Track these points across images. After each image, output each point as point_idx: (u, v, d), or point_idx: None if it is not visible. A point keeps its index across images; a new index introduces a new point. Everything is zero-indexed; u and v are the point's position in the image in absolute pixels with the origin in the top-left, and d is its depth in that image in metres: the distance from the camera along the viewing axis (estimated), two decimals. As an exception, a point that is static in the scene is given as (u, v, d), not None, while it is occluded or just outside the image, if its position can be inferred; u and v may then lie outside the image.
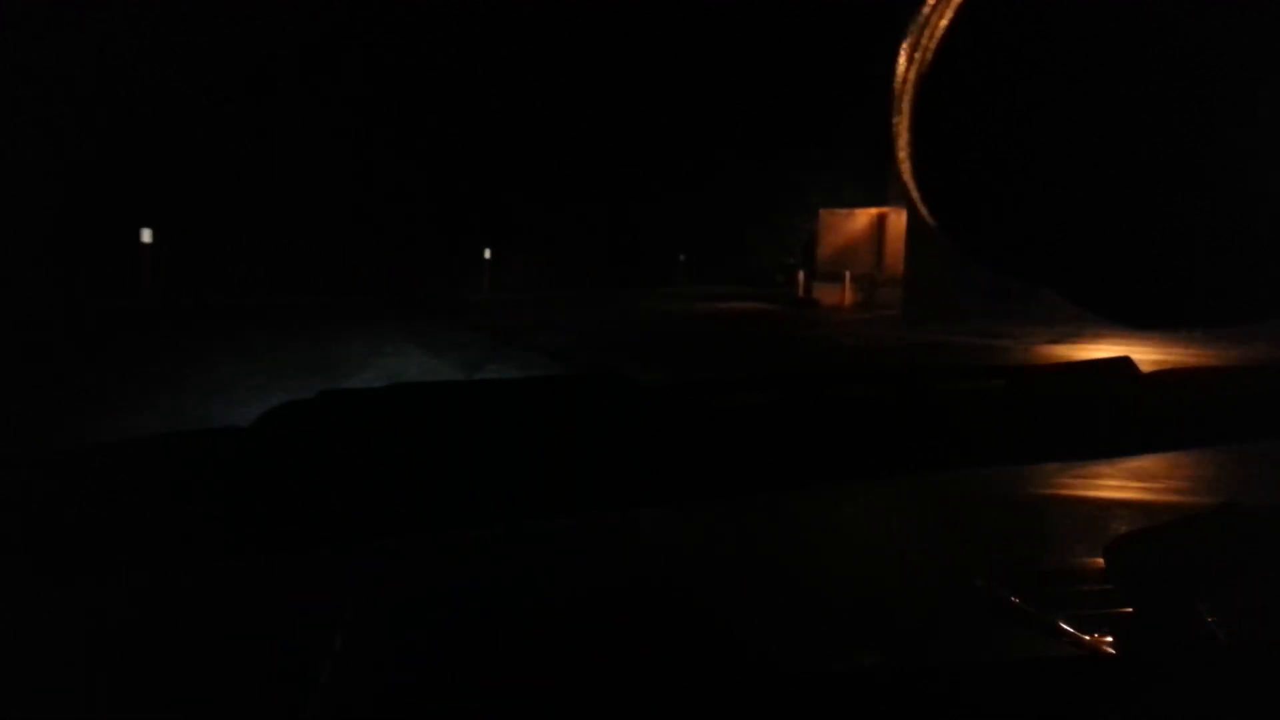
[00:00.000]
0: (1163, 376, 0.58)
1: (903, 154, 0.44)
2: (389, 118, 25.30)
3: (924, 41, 0.40)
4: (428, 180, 26.65)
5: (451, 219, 29.58)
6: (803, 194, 52.91)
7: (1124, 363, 0.59)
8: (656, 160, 41.05)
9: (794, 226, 56.65)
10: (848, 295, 26.18)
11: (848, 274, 26.07)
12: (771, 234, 53.49)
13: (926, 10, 0.40)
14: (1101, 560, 0.54)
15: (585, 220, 36.97)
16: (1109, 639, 0.58)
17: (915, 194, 0.44)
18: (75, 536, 0.48)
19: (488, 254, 30.99)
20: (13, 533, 0.47)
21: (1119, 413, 0.57)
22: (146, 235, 15.39)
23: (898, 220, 20.93)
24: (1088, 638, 0.60)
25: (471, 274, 27.95)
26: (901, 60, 0.42)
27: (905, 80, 0.41)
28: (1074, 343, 10.51)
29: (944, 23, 0.39)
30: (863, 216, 26.13)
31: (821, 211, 28.41)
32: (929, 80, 0.40)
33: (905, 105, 0.42)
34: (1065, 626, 0.61)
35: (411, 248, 26.46)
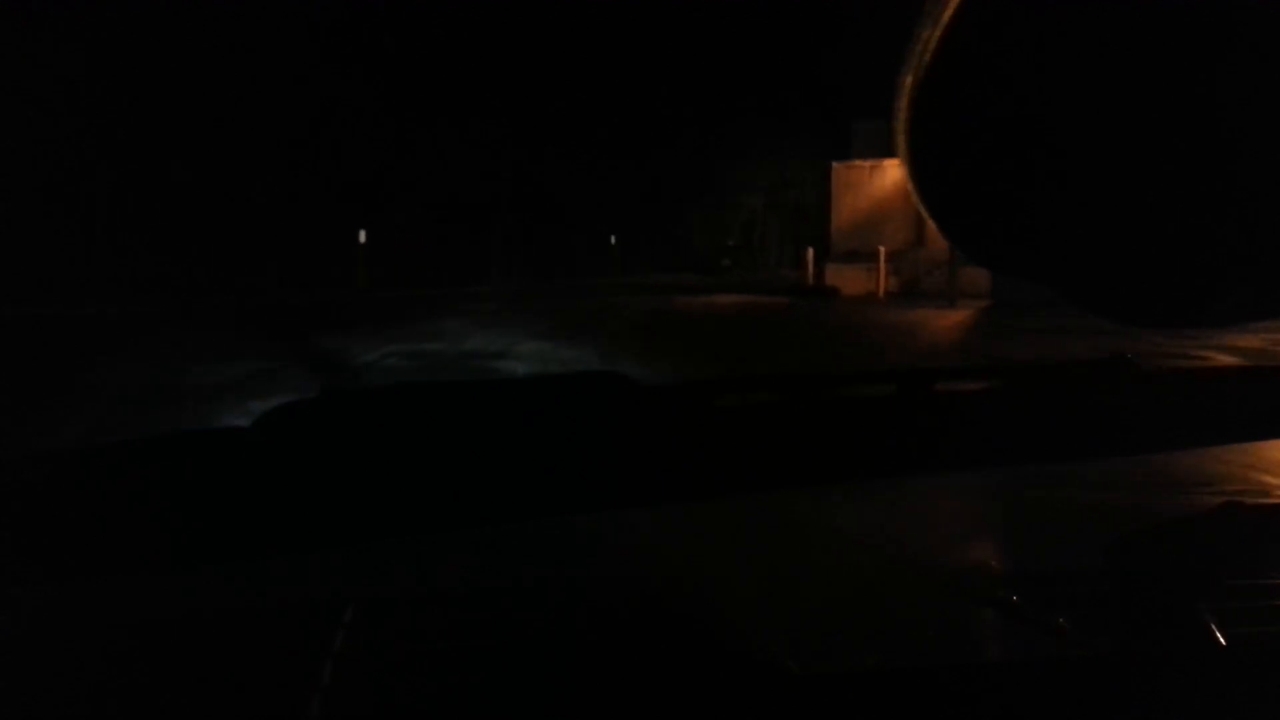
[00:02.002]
0: (1164, 376, 0.58)
1: (904, 155, 0.43)
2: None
3: (924, 44, 0.40)
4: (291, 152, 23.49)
5: (317, 194, 22.21)
6: (743, 166, 45.02)
7: (1125, 362, 0.58)
8: (576, 131, 33.08)
9: (736, 203, 48.84)
10: (882, 281, 17.79)
11: (882, 251, 17.74)
12: (708, 212, 45.84)
13: (923, 18, 0.40)
14: (1102, 560, 0.54)
15: (494, 197, 29.21)
16: (1109, 639, 0.57)
17: (917, 195, 0.44)
18: (75, 536, 0.47)
19: (363, 237, 22.33)
20: (13, 533, 0.47)
21: (1120, 412, 0.57)
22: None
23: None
24: (1088, 638, 0.59)
25: (349, 264, 24.04)
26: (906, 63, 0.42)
27: (906, 81, 0.41)
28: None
29: (944, 24, 0.39)
30: (893, 170, 17.49)
31: (835, 166, 20.03)
32: (929, 82, 0.40)
33: (906, 106, 0.42)
34: (1066, 626, 0.61)
35: (281, 235, 23.34)
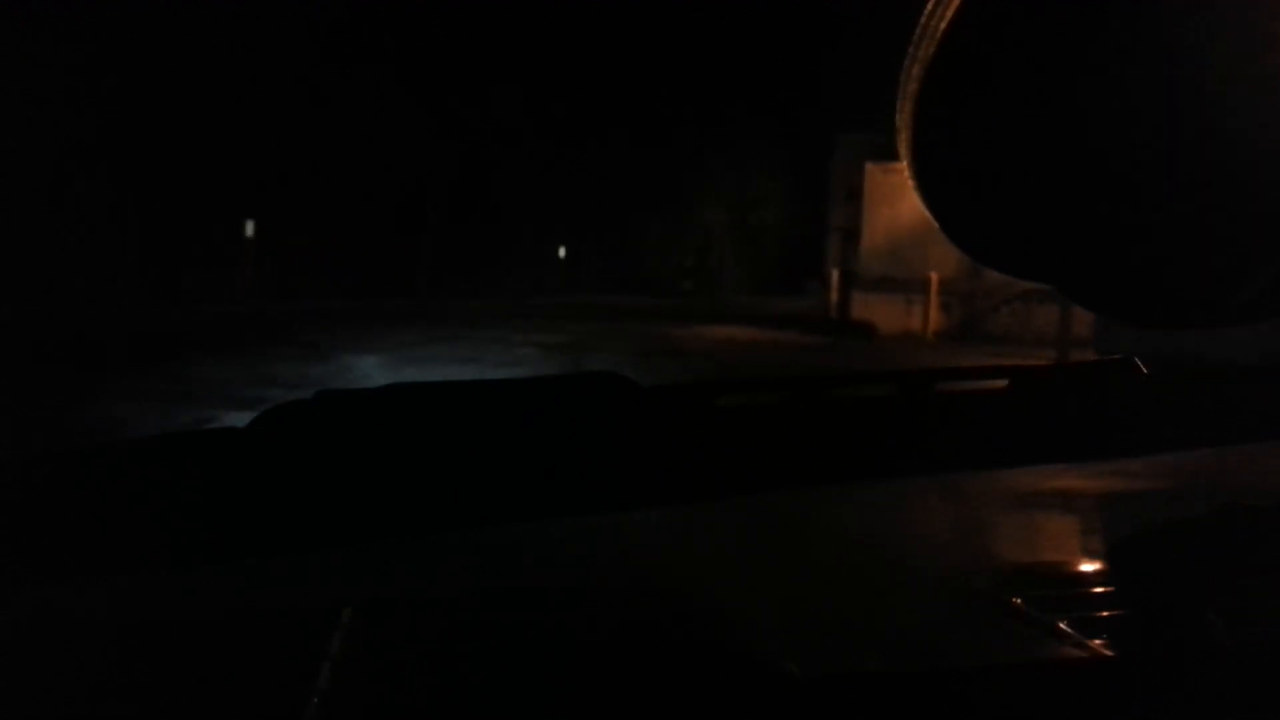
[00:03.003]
0: (1167, 377, 0.59)
1: (906, 154, 0.44)
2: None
3: (923, 47, 0.40)
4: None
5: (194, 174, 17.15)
6: (704, 180, 40.16)
7: (1128, 363, 0.59)
8: (525, 125, 31.24)
9: (694, 219, 44.02)
10: (932, 316, 13.13)
11: (934, 280, 13.12)
12: (665, 227, 40.89)
13: (926, 16, 0.40)
14: (1104, 561, 0.55)
15: (424, 192, 24.14)
16: (1111, 641, 0.57)
17: (919, 194, 0.44)
18: (71, 537, 0.48)
19: (250, 230, 17.30)
20: (10, 533, 0.47)
21: (1123, 413, 0.58)
22: None
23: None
24: (1090, 640, 0.60)
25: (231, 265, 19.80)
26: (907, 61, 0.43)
27: (907, 80, 0.42)
28: None
29: (944, 25, 0.39)
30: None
31: (869, 167, 15.33)
32: (932, 82, 0.40)
33: (907, 106, 0.42)
34: (1067, 628, 0.61)
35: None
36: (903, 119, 0.43)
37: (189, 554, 0.50)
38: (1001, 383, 0.59)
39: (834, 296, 15.52)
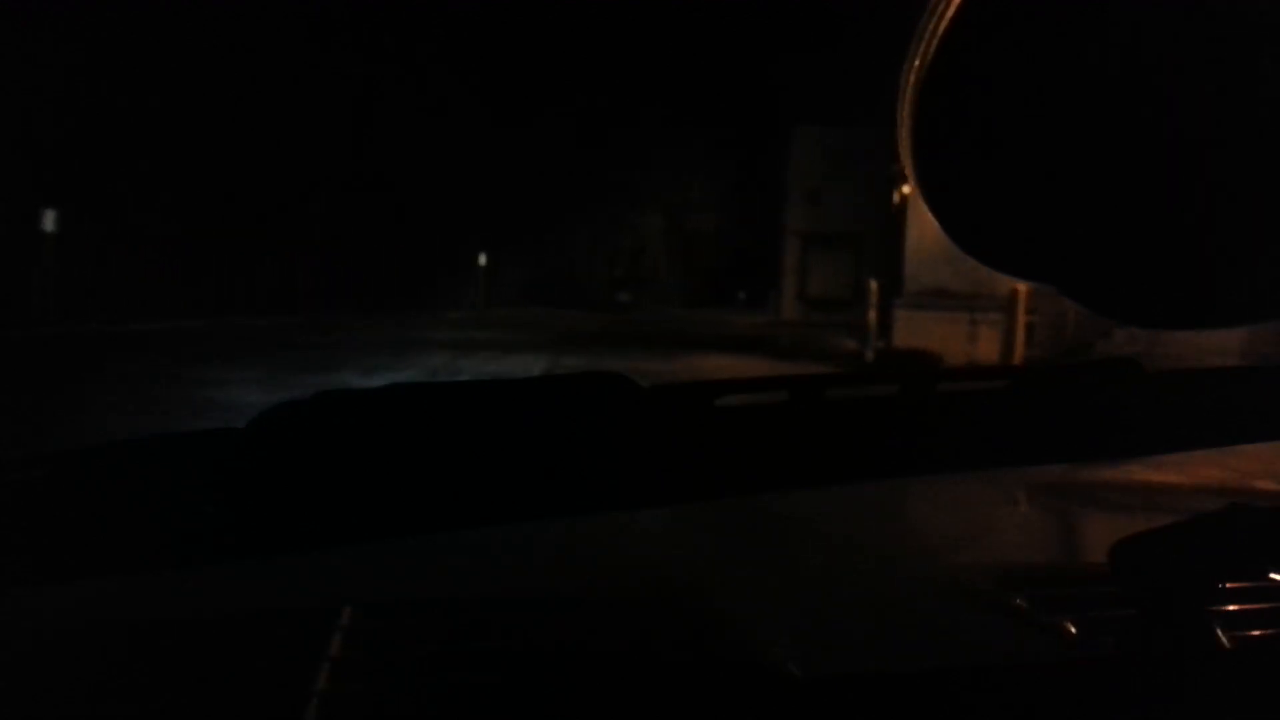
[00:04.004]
0: (1168, 377, 0.59)
1: (906, 153, 0.44)
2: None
3: (924, 45, 0.41)
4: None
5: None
6: (635, 178, 35.24)
7: (1129, 363, 0.58)
8: (438, 111, 23.08)
9: (629, 224, 39.47)
10: (1019, 343, 7.51)
11: (1022, 292, 7.59)
12: (597, 231, 35.94)
13: (926, 15, 0.41)
14: (1106, 561, 0.54)
15: (302, 183, 18.81)
16: (1113, 640, 0.58)
17: (919, 194, 0.45)
18: (70, 537, 0.48)
19: (50, 222, 11.60)
20: (8, 533, 0.47)
21: (1123, 413, 0.57)
22: None
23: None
24: (1092, 639, 0.60)
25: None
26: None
27: (907, 81, 0.42)
28: None
29: (944, 25, 0.39)
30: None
31: None
32: (930, 83, 0.41)
33: (907, 106, 0.42)
34: (1069, 628, 0.61)
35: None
36: (902, 117, 0.43)
37: (189, 554, 0.50)
38: (1001, 383, 0.59)
39: (870, 316, 11.32)
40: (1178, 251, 0.44)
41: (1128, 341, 9.94)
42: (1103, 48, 0.39)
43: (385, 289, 23.72)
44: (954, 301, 10.84)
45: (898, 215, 16.51)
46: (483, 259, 27.67)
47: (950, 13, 0.39)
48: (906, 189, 12.79)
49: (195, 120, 18.28)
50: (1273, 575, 0.63)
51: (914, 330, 11.32)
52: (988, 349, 10.60)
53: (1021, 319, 9.82)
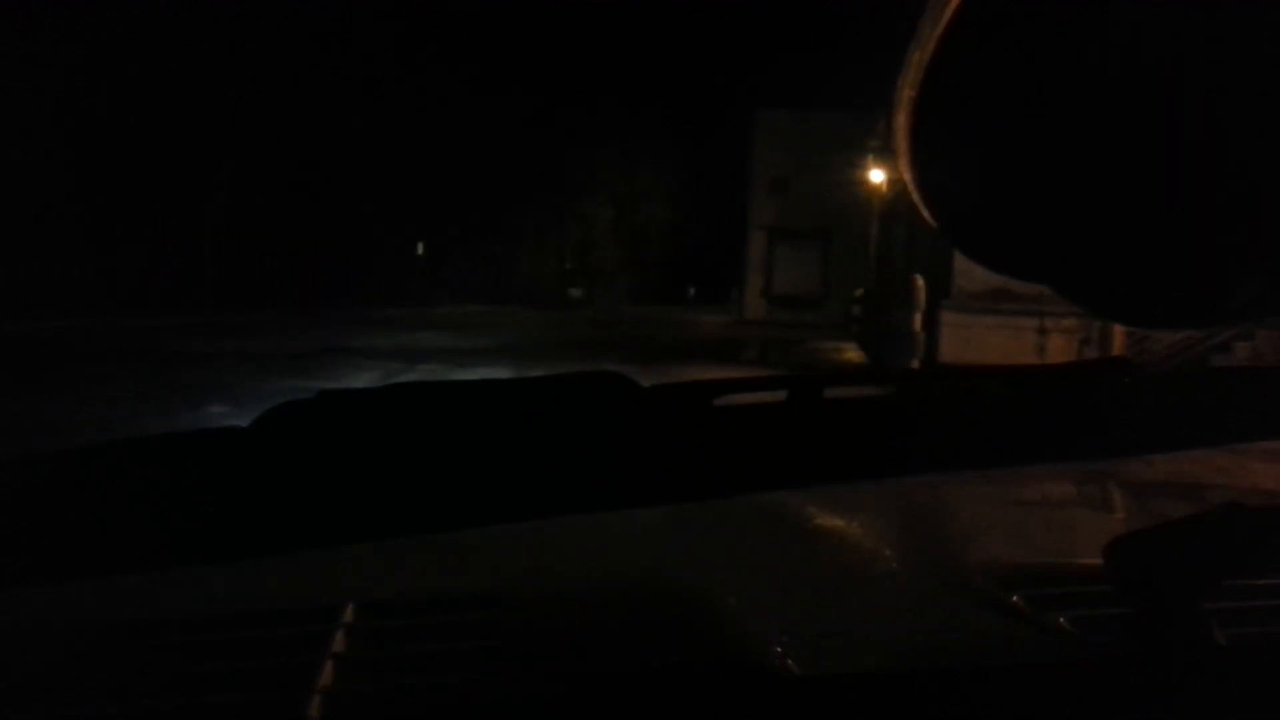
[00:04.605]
0: (1163, 377, 0.60)
1: (903, 151, 0.44)
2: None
3: (922, 45, 0.41)
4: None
5: None
6: (585, 164, 32.77)
7: (1123, 362, 0.59)
8: (366, 116, 24.48)
9: (578, 214, 36.87)
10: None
11: None
12: (544, 222, 33.38)
13: (924, 17, 0.41)
14: (1103, 561, 0.54)
15: (210, 158, 16.04)
16: (1110, 640, 0.58)
17: (915, 196, 0.45)
18: (73, 536, 0.48)
19: None
20: (10, 533, 0.47)
21: (1118, 413, 0.57)
22: None
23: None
24: (1090, 638, 0.60)
25: None
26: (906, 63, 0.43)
27: (905, 81, 0.42)
28: None
29: (941, 27, 0.40)
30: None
31: None
32: (928, 83, 0.41)
33: (905, 106, 0.42)
34: (1066, 627, 0.61)
35: None
36: (900, 118, 0.43)
37: (189, 554, 0.50)
38: (1001, 383, 0.59)
39: (915, 322, 9.22)
40: (1178, 251, 0.44)
41: (1251, 350, 8.08)
42: (1103, 47, 0.39)
43: (311, 284, 21.05)
44: (1018, 305, 8.78)
45: (886, 207, 14.66)
46: (421, 249, 25.03)
47: (949, 14, 0.39)
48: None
49: (97, 96, 15.50)
50: (1268, 573, 0.63)
51: (965, 340, 9.24)
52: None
53: (1117, 328, 7.82)
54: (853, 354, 14.19)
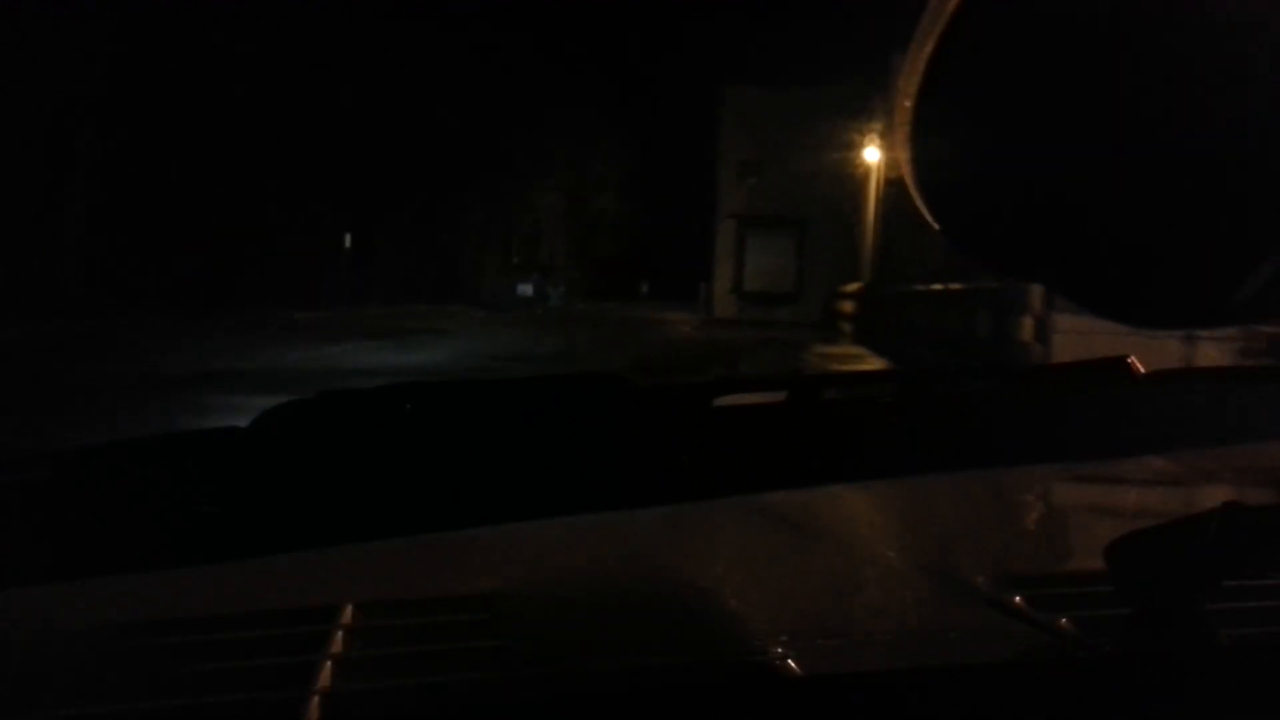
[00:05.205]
0: (1161, 377, 0.59)
1: (904, 150, 0.44)
2: None
3: (925, 42, 0.41)
4: None
5: None
6: (532, 148, 29.54)
7: (1122, 363, 0.58)
8: (285, 90, 20.50)
9: (522, 198, 33.54)
10: None
11: None
12: (486, 210, 30.11)
13: (927, 15, 0.41)
14: (1104, 561, 0.54)
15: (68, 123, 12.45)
16: (1111, 640, 0.58)
17: (916, 195, 0.45)
18: (75, 536, 0.48)
19: None
20: (13, 533, 0.47)
21: (1118, 413, 0.58)
22: None
23: None
24: (1090, 639, 0.60)
25: None
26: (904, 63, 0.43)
27: (906, 82, 0.42)
28: None
29: (943, 25, 0.40)
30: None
31: None
32: (930, 79, 0.41)
33: (906, 102, 0.43)
34: (1067, 627, 0.61)
35: None
36: (900, 115, 0.43)
37: (189, 554, 0.50)
38: (999, 383, 0.59)
39: (1027, 325, 6.69)
40: (1176, 251, 0.44)
41: None
42: (1104, 47, 0.39)
43: (209, 283, 17.82)
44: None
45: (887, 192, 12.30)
46: (348, 241, 21.72)
47: (950, 11, 0.39)
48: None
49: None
50: (1268, 573, 0.64)
51: (1087, 351, 6.82)
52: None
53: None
54: (874, 360, 11.58)
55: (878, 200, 17.68)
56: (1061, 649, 0.59)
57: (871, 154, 17.68)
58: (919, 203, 0.44)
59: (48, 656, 0.58)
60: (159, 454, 0.51)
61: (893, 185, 16.75)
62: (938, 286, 10.58)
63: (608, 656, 0.57)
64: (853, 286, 17.94)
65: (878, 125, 17.22)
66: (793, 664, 0.56)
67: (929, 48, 0.39)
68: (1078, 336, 7.19)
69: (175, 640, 0.59)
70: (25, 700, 0.52)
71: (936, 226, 0.45)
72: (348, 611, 0.61)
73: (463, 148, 26.12)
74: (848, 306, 18.03)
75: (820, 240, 23.22)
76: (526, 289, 24.61)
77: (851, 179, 19.74)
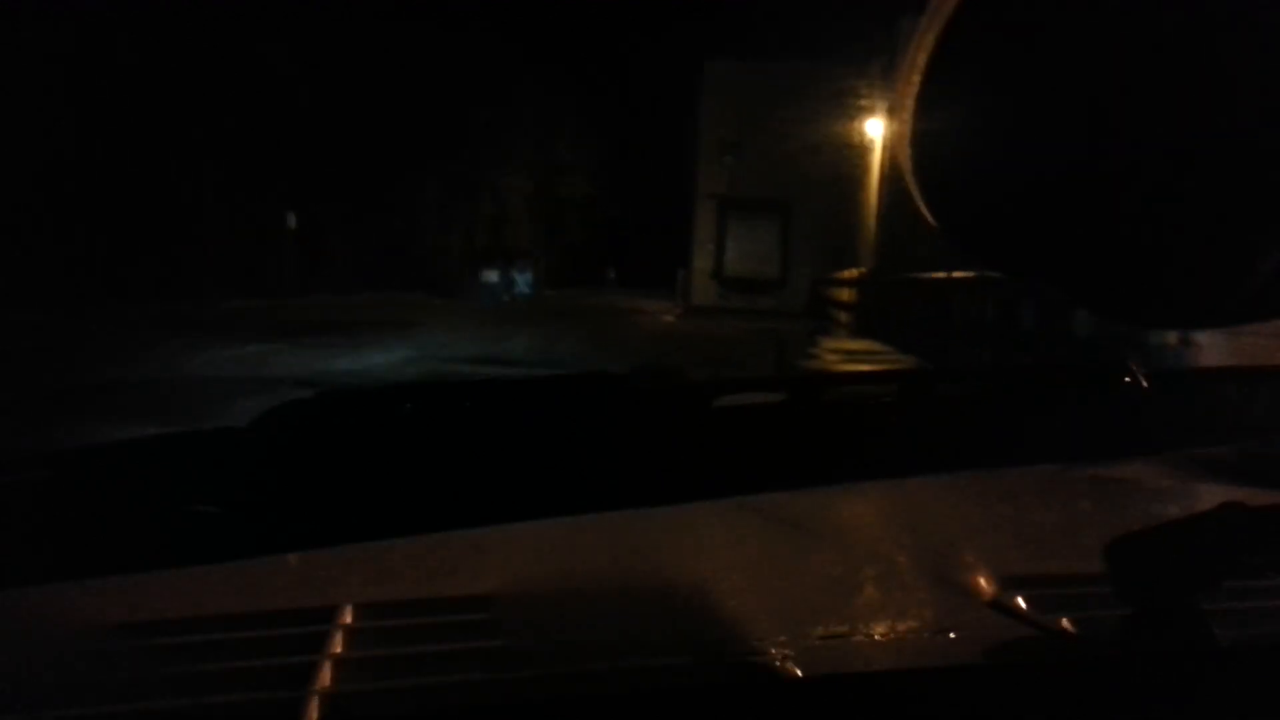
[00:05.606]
0: (1163, 377, 0.58)
1: (904, 155, 0.44)
2: None
3: (927, 35, 0.41)
4: None
5: None
6: (496, 128, 27.76)
7: (1124, 364, 0.58)
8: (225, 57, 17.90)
9: (486, 180, 31.67)
10: None
11: None
12: (446, 192, 28.17)
13: (929, 11, 0.41)
14: (1104, 561, 0.54)
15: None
16: (1111, 640, 0.58)
17: (916, 194, 0.45)
18: (75, 536, 0.48)
19: None
20: (13, 533, 0.47)
21: (1120, 413, 0.57)
22: None
23: None
24: (1090, 639, 0.60)
25: None
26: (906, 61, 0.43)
27: (907, 81, 0.42)
28: None
29: (946, 20, 0.40)
30: None
31: None
32: (929, 82, 0.41)
33: (909, 100, 0.42)
34: (1068, 627, 0.61)
35: None
36: (903, 114, 0.42)
37: (189, 554, 0.50)
38: (1000, 384, 0.59)
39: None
40: (1177, 250, 0.44)
41: None
42: (1105, 46, 0.39)
43: (138, 271, 15.66)
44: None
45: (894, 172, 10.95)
46: (292, 221, 19.43)
47: (950, 11, 0.39)
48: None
49: None
50: (1268, 573, 0.63)
51: (1232, 355, 5.36)
52: None
53: None
54: (899, 358, 9.97)
55: (881, 179, 16.14)
56: (1062, 649, 0.59)
57: (875, 127, 16.12)
58: (918, 200, 0.43)
59: (48, 656, 0.58)
60: (159, 454, 0.51)
61: (891, 155, 15.29)
62: (960, 274, 9.22)
63: (607, 657, 0.57)
64: (850, 272, 16.37)
65: (879, 98, 15.67)
66: (792, 664, 0.56)
67: (929, 42, 0.39)
68: (1226, 338, 5.78)
69: (175, 640, 0.59)
70: (25, 700, 0.52)
71: (934, 224, 0.44)
72: (347, 611, 0.61)
73: (421, 124, 24.08)
74: (843, 294, 16.50)
75: (806, 223, 21.74)
76: (491, 276, 22.66)
77: (843, 157, 18.21)
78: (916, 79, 0.40)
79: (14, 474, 0.48)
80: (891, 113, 0.45)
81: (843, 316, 16.21)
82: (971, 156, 0.42)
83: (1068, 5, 0.39)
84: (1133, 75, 0.39)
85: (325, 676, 0.53)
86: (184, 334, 10.16)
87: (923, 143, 0.42)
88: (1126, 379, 0.57)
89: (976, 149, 0.42)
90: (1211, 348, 6.56)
